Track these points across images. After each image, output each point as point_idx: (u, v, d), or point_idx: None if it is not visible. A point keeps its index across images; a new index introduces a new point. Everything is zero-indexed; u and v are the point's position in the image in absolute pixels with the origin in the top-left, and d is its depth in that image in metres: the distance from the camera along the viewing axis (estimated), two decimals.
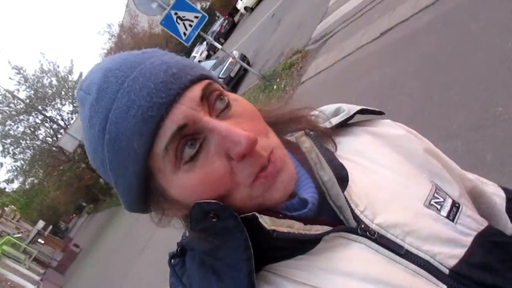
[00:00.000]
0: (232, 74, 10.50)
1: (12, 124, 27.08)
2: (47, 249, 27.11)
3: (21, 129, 27.70)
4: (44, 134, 29.13)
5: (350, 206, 0.53)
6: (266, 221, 0.47)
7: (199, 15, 6.77)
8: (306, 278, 0.49)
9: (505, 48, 2.90)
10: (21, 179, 30.96)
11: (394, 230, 0.52)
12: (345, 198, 0.53)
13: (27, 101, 26.25)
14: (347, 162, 0.59)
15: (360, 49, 5.14)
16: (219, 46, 8.30)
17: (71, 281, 19.21)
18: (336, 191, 0.53)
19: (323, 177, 0.55)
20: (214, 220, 0.48)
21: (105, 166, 0.50)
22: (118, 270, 11.60)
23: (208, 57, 21.93)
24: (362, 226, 0.52)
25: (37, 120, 28.15)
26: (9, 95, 24.75)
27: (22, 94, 27.12)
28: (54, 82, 28.25)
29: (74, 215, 50.22)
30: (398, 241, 0.51)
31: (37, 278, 18.20)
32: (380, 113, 0.67)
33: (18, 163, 29.12)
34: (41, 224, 26.21)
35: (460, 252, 0.53)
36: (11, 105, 26.32)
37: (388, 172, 0.59)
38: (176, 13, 6.60)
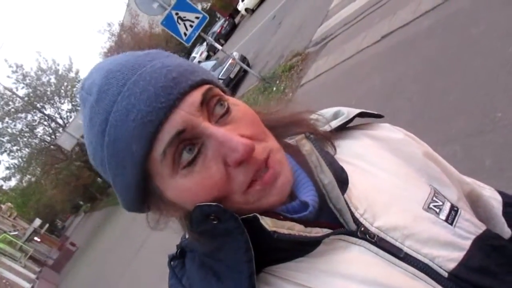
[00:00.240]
0: (232, 75, 10.51)
1: (10, 121, 27.08)
2: (43, 248, 27.05)
3: (19, 127, 27.70)
4: (42, 132, 29.14)
5: (350, 209, 0.53)
6: (267, 222, 0.47)
7: (200, 15, 6.78)
8: (306, 280, 0.49)
9: (505, 53, 2.91)
10: (18, 177, 30.94)
11: (394, 233, 0.52)
12: (345, 201, 0.54)
13: (26, 98, 26.22)
14: (347, 165, 0.59)
15: (361, 52, 5.15)
16: (219, 47, 8.31)
17: (67, 280, 19.19)
18: (336, 194, 0.54)
19: (323, 180, 0.55)
20: (214, 222, 0.48)
21: (104, 166, 0.51)
22: (115, 269, 11.59)
23: (208, 57, 21.94)
24: (362, 229, 0.52)
25: (36, 118, 28.15)
26: (9, 93, 24.72)
27: (21, 92, 27.12)
28: (53, 80, 28.25)
29: (69, 215, 50.14)
30: (397, 244, 0.52)
31: (33, 276, 18.16)
32: (379, 116, 0.68)
33: (16, 161, 29.11)
34: (37, 222, 26.17)
35: (459, 255, 0.53)
36: (10, 103, 26.31)
37: (388, 175, 0.59)
38: (177, 13, 6.61)
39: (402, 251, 0.51)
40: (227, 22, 22.38)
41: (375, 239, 0.51)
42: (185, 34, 6.76)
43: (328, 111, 0.68)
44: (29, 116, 27.81)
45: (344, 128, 0.65)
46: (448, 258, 0.52)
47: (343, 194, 0.54)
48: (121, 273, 10.32)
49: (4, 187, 33.89)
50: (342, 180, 0.55)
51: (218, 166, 0.48)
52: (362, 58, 5.04)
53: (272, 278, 0.51)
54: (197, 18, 6.76)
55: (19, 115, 27.15)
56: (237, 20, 23.38)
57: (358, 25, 5.90)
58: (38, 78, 27.60)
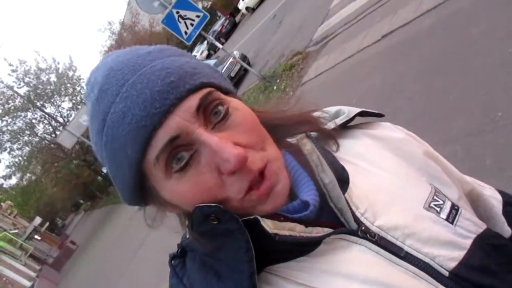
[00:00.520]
0: (232, 74, 10.51)
1: (10, 120, 27.07)
2: (44, 246, 27.08)
3: (19, 125, 27.71)
4: (42, 130, 29.15)
5: (350, 208, 0.53)
6: (268, 225, 0.47)
7: (201, 14, 6.77)
8: (307, 279, 0.49)
9: (505, 53, 2.91)
10: (18, 175, 30.95)
11: (395, 232, 0.52)
12: (346, 200, 0.54)
13: (26, 97, 26.22)
14: (348, 164, 0.59)
15: (361, 52, 5.15)
16: (219, 45, 8.30)
17: (67, 278, 19.20)
18: (337, 193, 0.54)
19: (324, 179, 0.55)
20: (214, 223, 0.48)
21: (104, 163, 0.52)
22: (115, 268, 11.60)
23: (208, 56, 21.96)
24: (363, 228, 0.52)
25: (36, 116, 28.16)
26: (10, 91, 24.72)
27: (21, 91, 27.13)
28: (53, 78, 28.25)
29: (69, 213, 50.22)
30: (398, 243, 0.52)
31: (33, 274, 18.19)
32: (380, 115, 0.67)
33: (16, 159, 29.12)
34: (38, 220, 26.21)
35: (460, 254, 0.53)
36: (10, 101, 26.30)
37: (388, 174, 0.59)
38: (177, 12, 6.61)
39: (403, 250, 0.51)
40: (227, 21, 22.37)
41: (376, 238, 0.51)
42: (185, 32, 6.75)
43: (329, 110, 0.67)
44: (29, 115, 27.82)
45: (344, 127, 0.65)
46: (448, 257, 0.52)
47: (344, 194, 0.54)
48: (121, 271, 10.33)
49: (4, 186, 33.92)
50: (343, 180, 0.55)
51: (212, 173, 0.48)
52: (363, 57, 5.04)
53: (273, 277, 0.51)
54: (197, 16, 6.75)
55: (19, 113, 27.15)
56: (237, 19, 23.37)
57: (358, 24, 5.89)
58: (38, 77, 27.59)
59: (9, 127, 27.35)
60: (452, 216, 0.56)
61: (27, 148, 29.03)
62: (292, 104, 0.63)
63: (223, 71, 10.35)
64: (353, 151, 0.62)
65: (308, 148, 0.57)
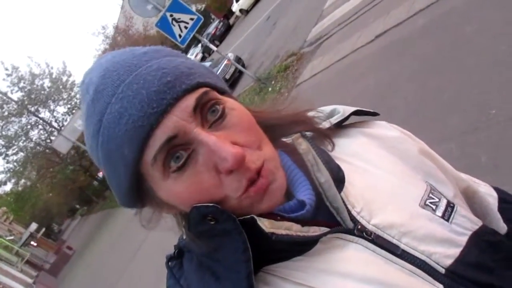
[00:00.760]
0: (227, 76, 10.51)
1: (4, 126, 26.93)
2: (40, 252, 26.93)
3: (14, 130, 27.56)
4: (37, 135, 29.01)
5: (347, 207, 0.53)
6: (265, 224, 0.47)
7: (195, 17, 6.78)
8: (305, 279, 0.49)
9: (498, 51, 2.93)
10: (13, 181, 30.77)
11: (391, 230, 0.52)
12: (342, 199, 0.54)
13: (20, 102, 26.09)
14: (343, 163, 0.59)
15: (355, 52, 5.17)
16: (214, 48, 8.31)
17: (64, 284, 19.10)
18: (333, 193, 0.54)
19: (320, 179, 0.55)
20: (212, 223, 0.48)
21: (99, 164, 0.52)
22: (112, 273, 11.54)
23: (203, 59, 21.91)
24: (359, 227, 0.52)
25: (31, 121, 28.02)
26: (4, 97, 24.56)
27: (15, 96, 27.01)
28: (47, 83, 28.15)
29: (66, 218, 49.97)
30: (394, 241, 0.52)
31: (29, 280, 18.06)
32: (374, 114, 0.68)
33: (11, 165, 28.95)
34: (34, 226, 26.03)
35: (456, 251, 0.53)
36: (4, 106, 26.16)
37: (384, 173, 0.59)
38: (171, 15, 6.61)
39: (399, 248, 0.51)
40: (221, 23, 22.40)
41: (372, 236, 0.51)
42: (180, 35, 6.75)
43: (324, 110, 0.68)
44: (24, 120, 27.69)
45: (340, 126, 0.65)
46: (445, 255, 0.52)
47: (339, 193, 0.54)
48: (118, 276, 10.28)
49: None
50: (339, 179, 0.56)
51: (210, 172, 0.48)
52: (357, 57, 5.05)
53: (270, 277, 0.51)
54: (191, 19, 6.75)
55: (13, 118, 27.01)
56: (231, 21, 23.39)
57: (352, 25, 5.91)
58: (32, 82, 27.46)
59: (3, 132, 27.22)
60: (448, 213, 0.56)
61: (22, 153, 28.89)
62: (287, 104, 0.63)
63: (218, 73, 10.31)
64: (349, 150, 0.62)
65: (304, 148, 0.58)
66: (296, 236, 0.49)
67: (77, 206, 45.90)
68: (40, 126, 28.48)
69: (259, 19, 14.38)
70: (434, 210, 0.56)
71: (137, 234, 10.66)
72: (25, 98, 27.11)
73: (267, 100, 6.74)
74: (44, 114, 28.58)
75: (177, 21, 6.68)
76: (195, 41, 21.88)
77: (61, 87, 28.53)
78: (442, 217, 0.56)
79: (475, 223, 0.58)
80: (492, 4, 3.43)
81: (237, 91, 9.91)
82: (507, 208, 0.68)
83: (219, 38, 21.64)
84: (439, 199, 0.58)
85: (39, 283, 18.17)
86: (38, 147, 28.97)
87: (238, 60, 10.21)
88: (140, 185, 0.51)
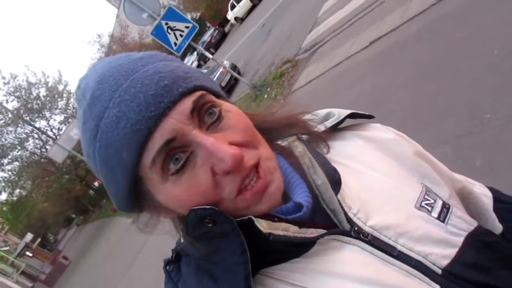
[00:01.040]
0: (223, 84, 10.54)
1: (0, 135, 26.80)
2: (36, 262, 26.66)
3: (9, 140, 27.43)
4: (33, 145, 28.87)
5: (343, 209, 0.54)
6: (263, 225, 0.48)
7: (190, 25, 6.80)
8: (302, 280, 0.50)
9: (491, 56, 2.96)
10: (8, 190, 30.55)
11: (387, 231, 0.53)
12: (339, 201, 0.54)
13: (15, 112, 26.00)
14: (339, 166, 0.59)
15: (350, 58, 5.20)
16: (209, 56, 8.33)
17: None
18: (330, 195, 0.54)
19: (317, 181, 0.55)
20: (209, 225, 0.48)
21: (97, 169, 0.52)
22: (108, 283, 11.43)
23: (198, 67, 21.94)
24: (356, 228, 0.52)
25: (26, 131, 27.90)
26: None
27: (10, 105, 26.90)
28: (43, 92, 28.10)
29: (61, 228, 49.62)
30: (391, 242, 0.52)
31: None
32: (370, 116, 0.68)
33: (6, 174, 28.77)
34: (29, 236, 25.82)
35: (452, 252, 0.53)
36: (0, 115, 26.06)
37: (380, 175, 0.60)
38: (166, 23, 6.63)
39: (395, 250, 0.51)
40: (217, 31, 22.48)
41: (368, 238, 0.52)
42: (175, 43, 6.77)
43: (320, 113, 0.68)
44: (19, 129, 27.57)
45: (335, 129, 0.66)
46: (441, 255, 0.52)
47: (336, 195, 0.54)
48: (115, 284, 10.18)
49: None
50: (335, 181, 0.56)
51: (207, 174, 0.48)
52: (352, 64, 5.09)
53: (268, 279, 0.51)
54: (187, 27, 6.77)
55: (9, 128, 26.90)
56: (226, 29, 23.50)
57: (347, 32, 5.96)
58: (28, 91, 27.40)
59: None
60: (444, 214, 0.57)
61: (17, 163, 28.72)
62: (282, 107, 0.64)
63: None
64: (345, 153, 0.63)
65: (300, 151, 0.58)
66: (294, 237, 0.49)
67: (73, 216, 45.55)
68: (35, 135, 28.38)
69: (254, 27, 14.47)
70: (430, 212, 0.56)
71: (133, 243, 10.59)
72: (21, 107, 27.02)
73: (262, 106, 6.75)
74: (40, 123, 28.50)
75: (172, 29, 6.70)
76: (190, 49, 21.97)
77: (56, 96, 28.49)
78: (438, 218, 0.56)
79: (471, 224, 0.58)
80: (484, 9, 3.47)
81: (233, 98, 9.93)
82: (502, 208, 0.68)
83: (215, 46, 21.71)
84: (435, 201, 0.58)
85: None
86: (33, 157, 28.81)
87: (234, 67, 10.24)
88: (139, 189, 0.51)
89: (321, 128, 0.64)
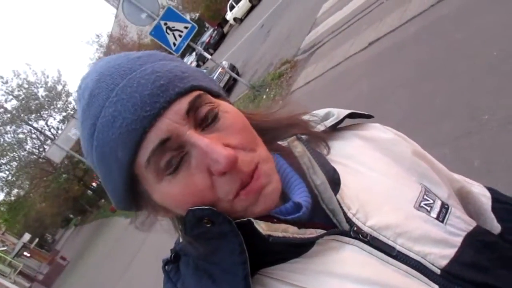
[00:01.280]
0: (222, 84, 10.54)
1: None
2: (33, 262, 26.61)
3: (7, 140, 27.37)
4: (31, 145, 28.82)
5: (342, 209, 0.54)
6: (262, 227, 0.48)
7: (189, 25, 6.80)
8: (301, 281, 0.49)
9: (490, 57, 2.96)
10: (6, 190, 30.48)
11: (386, 232, 0.53)
12: (338, 201, 0.54)
13: (14, 111, 25.96)
14: (339, 166, 0.59)
15: (349, 59, 5.21)
16: (208, 56, 8.33)
17: None
18: (329, 195, 0.54)
19: (316, 181, 0.55)
20: (208, 225, 0.48)
21: (95, 167, 0.52)
22: (106, 283, 11.41)
23: (197, 67, 21.92)
24: (355, 228, 0.52)
25: (24, 131, 27.86)
26: None
27: (9, 105, 26.85)
28: (42, 92, 28.06)
29: (59, 228, 49.54)
30: (390, 242, 0.52)
31: None
32: (369, 116, 0.68)
33: (3, 174, 28.70)
34: (27, 237, 25.75)
35: (451, 252, 0.53)
36: None
37: (379, 175, 0.60)
38: (165, 24, 6.63)
39: (394, 250, 0.51)
40: (216, 32, 22.49)
41: (368, 238, 0.52)
42: (174, 44, 6.77)
43: (319, 113, 0.68)
44: (18, 129, 27.51)
45: (334, 129, 0.66)
46: (440, 255, 0.52)
47: (335, 195, 0.54)
48: (113, 285, 10.16)
49: None
50: (334, 181, 0.56)
51: (202, 174, 0.48)
52: (350, 64, 5.09)
53: (267, 279, 0.51)
54: (186, 28, 6.78)
55: (7, 128, 26.85)
56: (225, 29, 23.51)
57: (345, 32, 5.97)
58: (27, 91, 27.34)
59: None
60: (442, 215, 0.57)
61: (15, 163, 28.65)
62: (281, 107, 0.64)
63: None
64: (344, 153, 0.63)
65: (299, 151, 0.58)
66: (293, 238, 0.49)
67: (71, 216, 45.49)
68: (33, 135, 28.34)
69: (253, 28, 14.47)
70: (428, 212, 0.56)
71: (132, 243, 10.57)
72: (20, 107, 26.96)
73: (261, 107, 6.76)
74: (38, 123, 28.45)
75: (171, 30, 6.70)
76: (189, 50, 21.98)
77: (55, 95, 28.44)
78: (437, 218, 0.56)
79: (469, 224, 0.58)
80: (484, 10, 3.48)
81: (232, 99, 9.86)
82: (500, 208, 0.69)
83: (213, 46, 21.72)
84: (434, 201, 0.58)
85: None
86: (31, 156, 28.76)
87: (232, 68, 10.25)
88: (135, 187, 0.51)
89: (321, 128, 0.64)
